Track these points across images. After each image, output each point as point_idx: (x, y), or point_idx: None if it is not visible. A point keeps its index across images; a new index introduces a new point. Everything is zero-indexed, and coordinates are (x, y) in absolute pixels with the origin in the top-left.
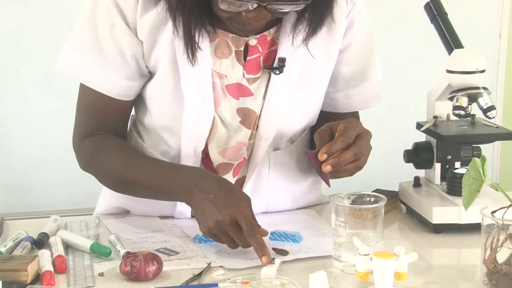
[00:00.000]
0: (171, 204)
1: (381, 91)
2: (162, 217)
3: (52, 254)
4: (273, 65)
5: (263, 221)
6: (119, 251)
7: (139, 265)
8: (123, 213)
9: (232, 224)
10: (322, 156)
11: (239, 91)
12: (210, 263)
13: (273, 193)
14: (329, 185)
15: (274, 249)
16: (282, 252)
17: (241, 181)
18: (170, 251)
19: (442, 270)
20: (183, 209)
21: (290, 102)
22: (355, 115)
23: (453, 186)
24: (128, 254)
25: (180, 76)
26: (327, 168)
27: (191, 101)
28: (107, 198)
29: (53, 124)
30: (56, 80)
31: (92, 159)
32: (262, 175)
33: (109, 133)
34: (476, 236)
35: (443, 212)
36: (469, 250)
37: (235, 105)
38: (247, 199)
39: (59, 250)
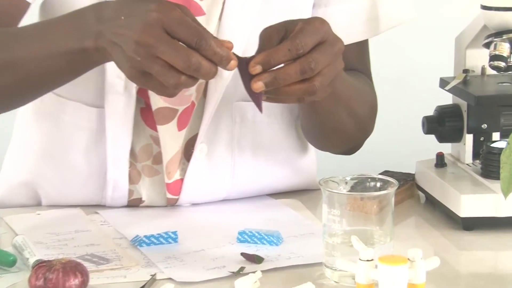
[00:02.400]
0: (100, 176)
1: (382, 21)
2: (87, 210)
3: None
4: None
5: (225, 216)
6: (27, 259)
7: (56, 278)
8: (31, 196)
9: (160, 39)
10: (255, 68)
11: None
12: (155, 274)
13: (239, 166)
14: (260, 110)
15: (243, 254)
16: (255, 259)
17: (192, 141)
18: (100, 259)
19: (474, 279)
20: (115, 194)
21: (256, 26)
22: (350, 58)
23: (489, 165)
24: (40, 263)
25: None
26: (257, 85)
27: None
28: (8, 173)
29: None
30: None
31: None
32: (223, 136)
33: None
34: None
35: (476, 201)
36: (510, 253)
37: None
38: (173, 4)
39: None
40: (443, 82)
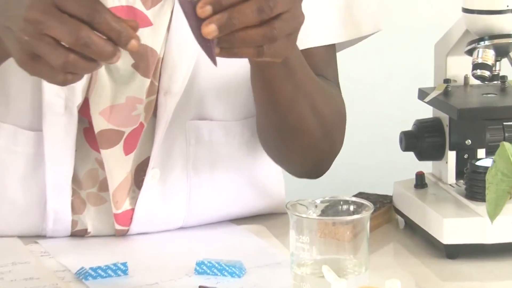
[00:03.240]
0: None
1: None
2: (25, 240)
3: None
4: None
5: (181, 245)
6: None
7: None
8: None
9: (47, 13)
10: (204, 9)
11: (130, 18)
12: None
13: (196, 192)
14: (214, 62)
15: (202, 287)
16: None
17: (142, 166)
18: None
19: None
20: (56, 227)
21: None
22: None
23: (475, 186)
24: None
25: None
26: (208, 29)
27: None
28: None
29: None
30: None
31: None
32: (176, 160)
33: None
34: (509, 262)
35: (460, 226)
36: (499, 284)
37: None
38: None
39: None
40: (422, 94)
